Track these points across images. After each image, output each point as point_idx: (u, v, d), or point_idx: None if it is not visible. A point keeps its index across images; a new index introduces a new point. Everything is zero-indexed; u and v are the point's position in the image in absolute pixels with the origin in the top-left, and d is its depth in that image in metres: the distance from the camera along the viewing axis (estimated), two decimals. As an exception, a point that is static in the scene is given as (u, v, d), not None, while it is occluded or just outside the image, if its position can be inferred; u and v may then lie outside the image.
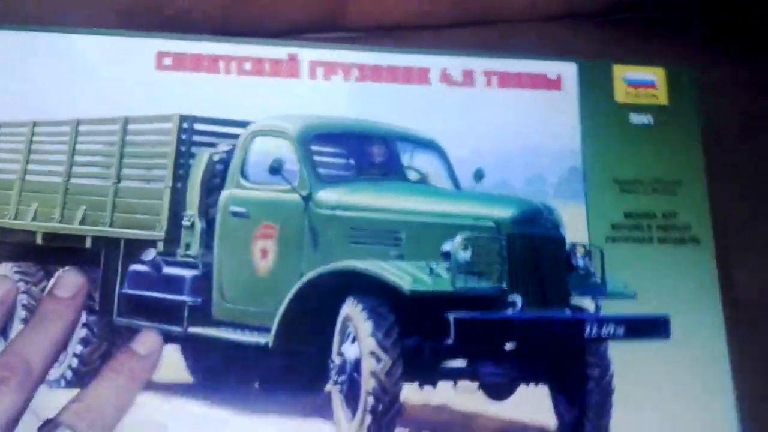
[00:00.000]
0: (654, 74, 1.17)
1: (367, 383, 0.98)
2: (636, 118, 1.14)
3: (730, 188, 1.17)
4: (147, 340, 0.81)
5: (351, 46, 1.12)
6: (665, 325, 1.04)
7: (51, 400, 1.02)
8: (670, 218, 1.11)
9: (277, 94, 1.09)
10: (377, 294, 1.01)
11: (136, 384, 0.79)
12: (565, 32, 1.28)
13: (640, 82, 1.17)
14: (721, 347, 1.06)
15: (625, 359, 1.04)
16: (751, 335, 1.12)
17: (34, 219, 1.15)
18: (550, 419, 1.04)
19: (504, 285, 1.02)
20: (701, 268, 1.09)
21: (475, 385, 1.03)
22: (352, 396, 1.00)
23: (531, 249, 1.05)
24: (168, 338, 1.10)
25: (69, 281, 0.82)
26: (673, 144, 1.14)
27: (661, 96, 1.16)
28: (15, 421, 0.73)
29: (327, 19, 1.25)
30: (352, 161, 1.17)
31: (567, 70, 1.15)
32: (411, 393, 1.01)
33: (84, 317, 1.11)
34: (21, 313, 1.13)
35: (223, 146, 1.14)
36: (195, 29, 1.16)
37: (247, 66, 1.09)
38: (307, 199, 1.10)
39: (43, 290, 1.15)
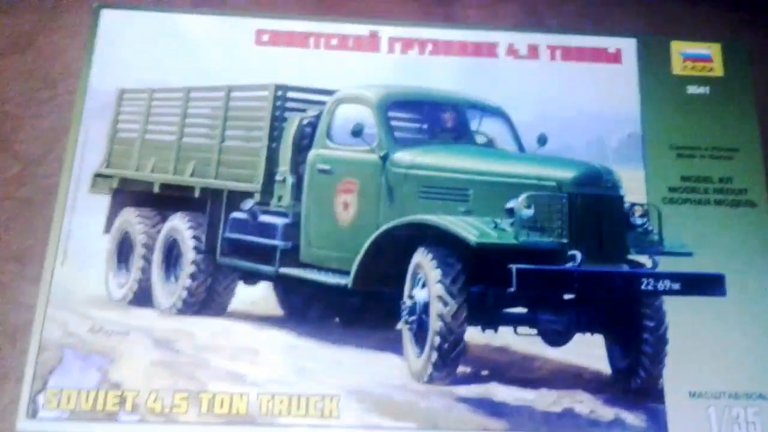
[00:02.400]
0: (709, 49, 1.07)
1: (435, 324, 0.93)
2: (693, 89, 1.05)
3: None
4: None
5: (425, 23, 1.09)
6: (720, 283, 0.95)
7: (164, 325, 1.02)
8: (727, 182, 1.01)
9: (360, 66, 1.06)
10: (446, 245, 0.96)
11: None
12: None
13: (696, 56, 1.07)
14: (774, 305, 0.99)
15: (682, 313, 0.96)
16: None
17: (152, 172, 1.16)
18: (604, 366, 0.97)
19: (564, 240, 0.95)
20: (757, 230, 0.99)
21: (534, 331, 0.97)
22: (420, 335, 0.96)
23: (590, 207, 0.97)
24: (262, 276, 1.10)
25: None
26: (729, 113, 1.04)
27: (716, 69, 1.06)
28: None
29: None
30: (425, 126, 1.12)
31: (626, 45, 1.07)
32: (474, 335, 0.96)
33: (192, 256, 1.11)
34: (141, 250, 1.15)
35: (312, 111, 1.12)
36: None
37: (334, 42, 1.07)
38: (384, 159, 1.06)
39: (158, 232, 1.16)
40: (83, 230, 0.99)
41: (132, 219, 1.15)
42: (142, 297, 1.10)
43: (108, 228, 1.11)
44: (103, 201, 1.09)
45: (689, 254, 0.98)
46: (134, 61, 1.05)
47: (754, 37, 1.11)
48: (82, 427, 0.88)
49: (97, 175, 1.04)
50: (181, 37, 1.06)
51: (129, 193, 1.14)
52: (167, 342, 0.96)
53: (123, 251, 1.15)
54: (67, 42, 1.17)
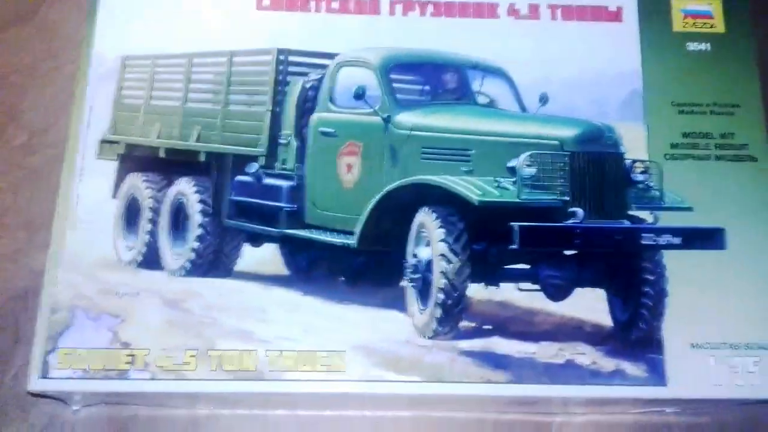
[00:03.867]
0: (710, 4, 1.10)
1: (438, 281, 0.99)
2: (693, 46, 1.08)
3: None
4: None
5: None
6: (720, 237, 0.99)
7: (172, 286, 1.07)
8: (728, 138, 1.04)
9: (361, 29, 1.10)
10: (449, 205, 1.01)
11: None
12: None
13: (697, 12, 1.10)
14: (775, 257, 1.02)
15: (683, 266, 1.00)
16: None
17: (158, 137, 1.22)
18: (605, 319, 1.02)
19: (566, 198, 1.00)
20: (758, 184, 1.03)
21: (536, 286, 1.02)
22: (424, 292, 1.01)
23: (592, 165, 1.02)
24: (268, 238, 1.15)
25: None
26: (730, 69, 1.07)
27: (717, 25, 1.09)
28: None
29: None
30: (427, 87, 1.17)
31: (627, 3, 1.10)
32: (477, 291, 1.01)
33: (199, 218, 1.16)
34: (148, 214, 1.21)
35: (314, 75, 1.16)
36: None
37: (335, 5, 1.10)
38: (387, 121, 1.11)
39: (165, 195, 1.21)
40: (91, 195, 1.03)
41: (139, 183, 1.20)
42: (151, 260, 1.16)
43: (115, 193, 1.16)
44: (111, 166, 1.14)
45: (689, 209, 1.02)
46: (136, 28, 1.08)
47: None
48: (93, 386, 0.93)
49: (104, 141, 1.08)
50: (182, 4, 1.09)
51: (135, 159, 1.19)
52: (176, 302, 1.01)
53: (131, 215, 1.20)
54: (70, 12, 1.22)
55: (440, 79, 1.17)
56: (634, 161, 1.04)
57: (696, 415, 1.09)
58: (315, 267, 1.11)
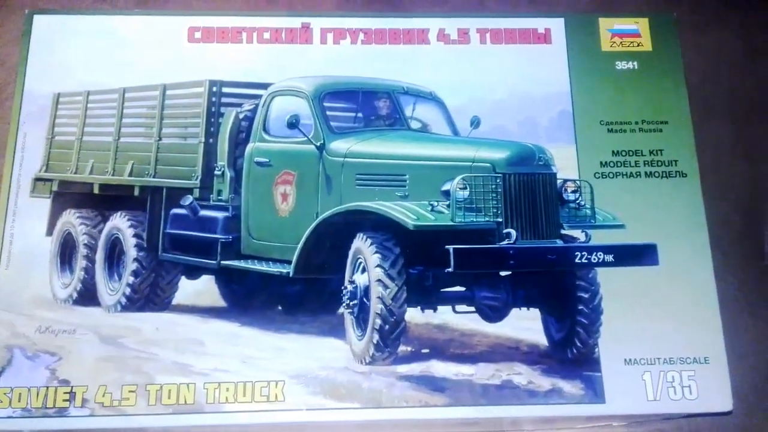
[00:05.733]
0: (637, 24, 1.15)
1: (376, 307, 1.02)
2: (621, 65, 1.13)
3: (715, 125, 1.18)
4: None
5: (357, 13, 1.18)
6: (652, 253, 1.04)
7: (109, 322, 1.10)
8: (657, 155, 1.09)
9: (293, 59, 1.14)
10: (384, 230, 1.04)
11: None
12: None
13: (624, 31, 1.15)
14: (706, 271, 1.04)
15: (616, 283, 1.04)
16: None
17: (91, 173, 1.25)
18: (540, 339, 1.06)
19: (500, 219, 1.04)
20: (689, 199, 1.07)
21: (472, 308, 1.06)
22: (362, 318, 1.04)
23: (524, 186, 1.06)
24: (204, 270, 1.18)
25: None
26: (658, 86, 1.12)
27: (645, 43, 1.14)
28: None
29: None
30: (360, 114, 1.20)
31: (555, 25, 1.15)
32: (414, 315, 1.05)
33: (135, 253, 1.19)
34: (83, 250, 1.24)
35: (248, 105, 1.20)
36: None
37: (266, 35, 1.14)
38: (321, 149, 1.15)
39: (100, 231, 1.25)
40: (26, 233, 1.06)
41: (73, 220, 1.24)
42: (87, 296, 1.19)
43: (50, 230, 1.18)
44: (45, 204, 1.17)
45: (622, 226, 1.06)
46: (71, 64, 1.12)
47: (682, 8, 1.21)
48: (33, 424, 0.96)
49: (37, 179, 1.11)
50: (114, 39, 1.13)
51: (69, 195, 1.23)
52: (113, 338, 1.03)
53: (66, 252, 1.23)
54: (6, 50, 1.26)
55: (373, 106, 1.21)
56: (566, 181, 1.08)
57: (642, 428, 1.14)
58: (252, 297, 1.15)
